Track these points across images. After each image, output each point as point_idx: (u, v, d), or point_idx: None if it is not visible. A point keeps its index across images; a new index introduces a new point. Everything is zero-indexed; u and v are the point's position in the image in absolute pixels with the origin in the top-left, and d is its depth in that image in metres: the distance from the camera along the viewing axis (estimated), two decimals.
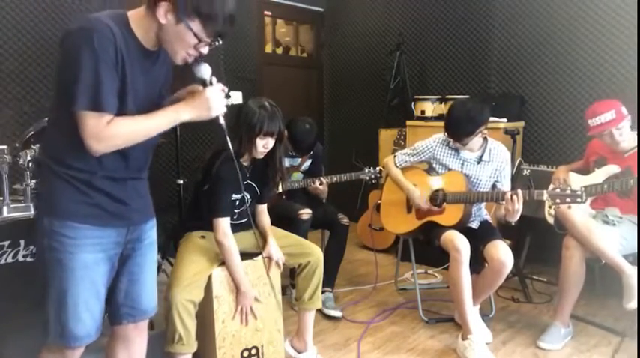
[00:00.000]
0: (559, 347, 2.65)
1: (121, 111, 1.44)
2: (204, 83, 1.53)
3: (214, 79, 1.54)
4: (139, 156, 1.59)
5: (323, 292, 2.73)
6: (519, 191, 2.47)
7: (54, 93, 1.44)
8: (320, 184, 3.11)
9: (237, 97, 4.46)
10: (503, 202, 2.51)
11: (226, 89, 1.56)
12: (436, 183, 2.85)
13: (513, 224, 2.55)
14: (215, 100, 1.50)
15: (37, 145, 2.34)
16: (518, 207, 2.45)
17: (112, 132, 1.40)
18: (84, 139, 1.39)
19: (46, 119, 2.06)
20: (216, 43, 1.48)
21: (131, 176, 1.60)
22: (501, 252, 2.56)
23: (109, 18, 1.40)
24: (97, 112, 1.38)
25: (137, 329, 1.72)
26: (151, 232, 1.71)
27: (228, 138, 1.62)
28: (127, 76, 1.43)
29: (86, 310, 1.51)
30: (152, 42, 1.49)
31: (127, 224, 1.60)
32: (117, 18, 1.42)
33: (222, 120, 1.56)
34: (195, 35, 1.43)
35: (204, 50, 1.49)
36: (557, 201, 2.39)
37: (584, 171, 2.93)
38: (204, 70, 1.52)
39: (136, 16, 1.46)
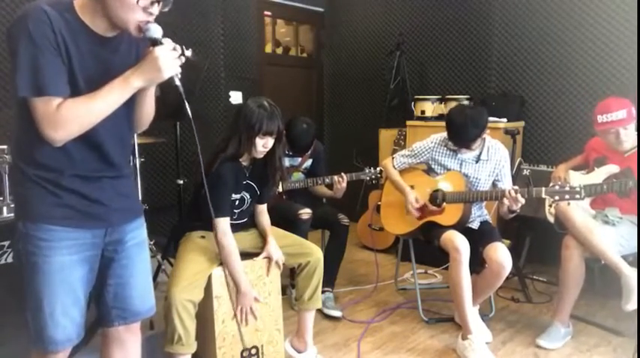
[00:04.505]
0: (559, 345, 2.65)
1: (75, 96, 1.39)
2: (154, 43, 1.44)
3: (168, 40, 1.45)
4: (113, 149, 1.53)
5: (323, 292, 2.73)
6: (516, 187, 2.53)
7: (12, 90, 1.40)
8: (342, 181, 3.07)
9: (237, 97, 4.50)
10: (503, 200, 2.52)
11: (178, 47, 1.45)
12: (436, 183, 2.85)
13: (518, 210, 2.56)
14: (165, 59, 1.40)
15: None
16: (522, 200, 2.48)
17: (64, 115, 1.35)
18: (40, 129, 1.35)
19: None
20: (163, 2, 1.42)
21: (108, 174, 1.54)
22: (500, 255, 2.56)
23: (48, 4, 1.36)
24: (42, 97, 1.33)
25: (129, 330, 1.69)
26: (136, 232, 1.64)
27: (186, 102, 1.51)
28: (73, 59, 1.39)
29: (64, 314, 1.47)
30: (103, 26, 1.44)
31: (104, 225, 1.55)
32: (58, 4, 1.39)
33: (177, 82, 1.46)
34: None
35: (154, 10, 1.42)
36: (556, 197, 2.41)
37: (584, 167, 2.94)
38: (154, 30, 1.43)
39: (79, 2, 1.42)
